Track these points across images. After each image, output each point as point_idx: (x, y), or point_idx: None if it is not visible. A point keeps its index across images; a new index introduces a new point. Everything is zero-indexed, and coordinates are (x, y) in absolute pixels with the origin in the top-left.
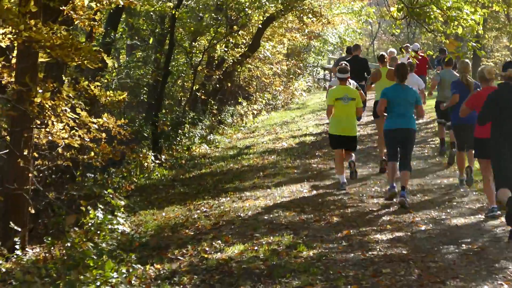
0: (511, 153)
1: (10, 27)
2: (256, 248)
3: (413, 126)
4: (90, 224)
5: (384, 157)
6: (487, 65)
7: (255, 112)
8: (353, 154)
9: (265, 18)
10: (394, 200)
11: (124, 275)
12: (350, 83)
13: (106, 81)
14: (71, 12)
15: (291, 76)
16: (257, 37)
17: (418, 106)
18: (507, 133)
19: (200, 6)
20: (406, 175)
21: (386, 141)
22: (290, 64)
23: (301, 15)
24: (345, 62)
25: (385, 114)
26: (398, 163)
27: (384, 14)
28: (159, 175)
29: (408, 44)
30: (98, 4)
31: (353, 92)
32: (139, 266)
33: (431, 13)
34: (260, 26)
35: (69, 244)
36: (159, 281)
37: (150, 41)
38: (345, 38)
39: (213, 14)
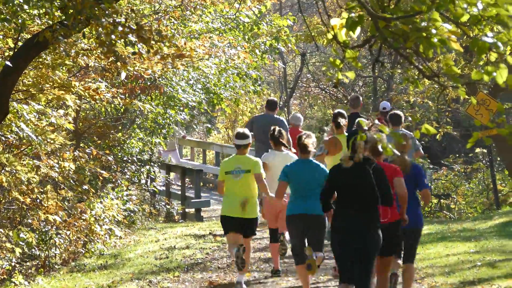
0: None
1: None
2: None
3: None
4: None
5: None
6: None
7: None
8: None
9: (23, 41)
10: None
11: None
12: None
13: None
14: None
15: (85, 186)
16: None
17: None
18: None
19: None
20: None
21: None
22: (82, 155)
23: (110, 34)
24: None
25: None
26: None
27: (318, 33)
28: None
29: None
30: None
31: (248, 163)
32: None
33: (433, 30)
34: (10, 64)
35: None
36: None
37: None
38: (221, 93)
39: None
